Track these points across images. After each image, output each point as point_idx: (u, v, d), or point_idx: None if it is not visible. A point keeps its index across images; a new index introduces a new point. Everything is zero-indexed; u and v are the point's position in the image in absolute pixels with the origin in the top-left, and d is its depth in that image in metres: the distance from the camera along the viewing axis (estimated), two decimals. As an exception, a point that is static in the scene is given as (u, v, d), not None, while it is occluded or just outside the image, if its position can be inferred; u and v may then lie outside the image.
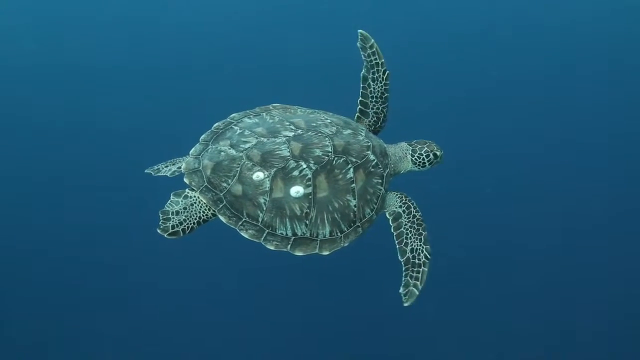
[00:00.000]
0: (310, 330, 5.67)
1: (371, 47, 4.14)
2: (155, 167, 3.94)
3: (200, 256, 5.47)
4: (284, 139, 3.63)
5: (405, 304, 3.63)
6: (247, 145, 3.60)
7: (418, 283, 3.66)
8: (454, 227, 5.75)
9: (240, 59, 7.13)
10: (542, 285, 6.03)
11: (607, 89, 7.37)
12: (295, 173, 3.51)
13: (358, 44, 4.17)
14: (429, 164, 4.13)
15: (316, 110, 4.08)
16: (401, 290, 3.67)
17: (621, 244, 6.21)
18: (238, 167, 3.51)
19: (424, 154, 4.09)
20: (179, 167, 3.72)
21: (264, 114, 3.95)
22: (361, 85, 4.18)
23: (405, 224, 3.82)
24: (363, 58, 4.17)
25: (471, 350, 5.77)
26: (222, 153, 3.59)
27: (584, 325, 5.88)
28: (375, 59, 4.15)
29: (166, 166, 3.90)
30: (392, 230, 3.85)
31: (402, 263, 3.75)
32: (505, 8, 8.20)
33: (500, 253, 6.09)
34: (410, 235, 3.80)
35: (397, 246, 3.80)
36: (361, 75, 4.17)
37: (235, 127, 3.78)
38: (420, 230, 3.81)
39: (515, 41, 7.88)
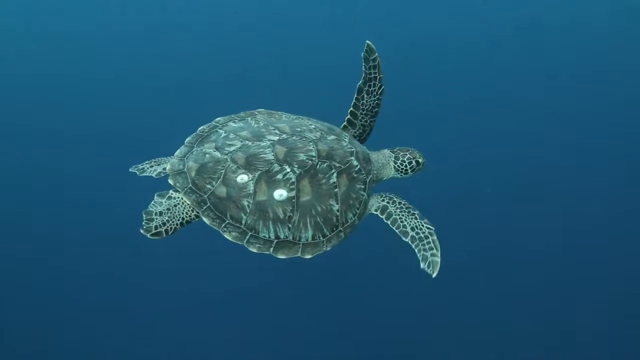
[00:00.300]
0: (309, 332, 5.67)
1: (374, 60, 4.10)
2: (140, 167, 3.96)
3: (195, 258, 5.49)
4: (269, 142, 3.68)
5: (434, 275, 3.60)
6: (232, 148, 3.64)
7: (435, 251, 3.67)
8: (453, 230, 5.76)
9: (229, 62, 7.20)
10: (541, 285, 6.05)
11: (606, 89, 7.46)
12: (279, 176, 3.56)
13: (362, 55, 4.11)
14: (412, 171, 4.18)
15: (301, 117, 4.13)
16: (422, 265, 3.66)
17: (621, 244, 6.23)
18: (223, 169, 3.55)
19: (407, 161, 4.15)
20: (164, 169, 3.75)
21: (249, 118, 3.99)
22: (355, 96, 4.19)
23: (395, 211, 3.85)
24: (363, 69, 4.13)
25: (471, 351, 5.77)
26: (207, 155, 3.63)
27: (584, 326, 5.89)
28: (375, 72, 4.13)
29: (151, 166, 3.93)
30: (385, 221, 3.86)
31: (409, 242, 3.74)
32: (501, 8, 8.25)
33: (500, 254, 6.11)
34: (404, 217, 3.82)
35: (397, 231, 3.81)
36: (357, 85, 4.18)
37: (220, 131, 3.82)
38: (412, 210, 3.85)
39: (512, 42, 7.97)
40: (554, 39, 8.04)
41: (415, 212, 3.83)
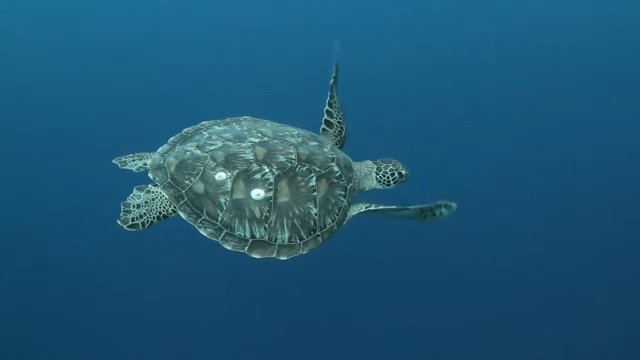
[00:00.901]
0: (307, 334, 5.70)
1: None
2: (123, 159, 4.00)
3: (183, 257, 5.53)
4: (250, 143, 3.73)
5: (453, 205, 3.71)
6: (213, 147, 3.70)
7: (441, 208, 3.72)
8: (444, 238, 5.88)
9: (227, 67, 7.35)
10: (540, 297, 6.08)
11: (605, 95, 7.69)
12: (258, 176, 3.59)
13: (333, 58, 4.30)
14: (394, 183, 4.17)
15: (285, 124, 4.20)
16: (438, 210, 3.72)
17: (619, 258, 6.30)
18: (202, 166, 3.60)
19: (389, 172, 4.14)
20: (145, 164, 3.80)
21: (234, 123, 4.09)
22: (328, 94, 4.33)
23: (377, 206, 3.83)
24: (333, 75, 4.34)
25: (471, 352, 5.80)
26: (188, 152, 3.69)
27: (584, 337, 5.89)
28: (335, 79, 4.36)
29: (133, 160, 3.97)
30: (376, 214, 3.87)
31: (412, 211, 3.77)
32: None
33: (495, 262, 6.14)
34: (387, 207, 3.80)
35: (390, 214, 3.85)
36: (329, 84, 4.31)
37: (204, 132, 3.90)
38: (392, 205, 3.82)
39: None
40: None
41: (395, 205, 3.81)
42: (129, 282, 5.49)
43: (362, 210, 3.88)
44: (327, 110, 4.33)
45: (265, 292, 5.66)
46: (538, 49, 8.28)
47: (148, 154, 3.98)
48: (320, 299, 5.78)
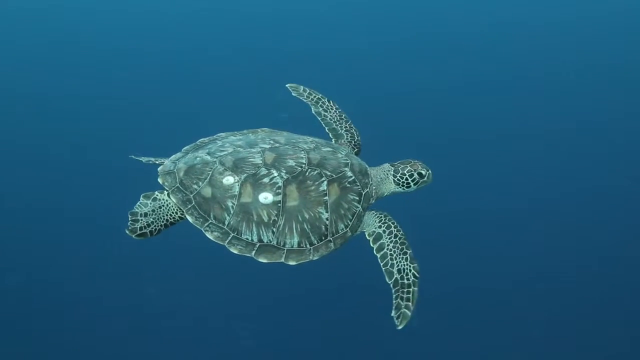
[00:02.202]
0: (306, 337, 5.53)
1: (304, 90, 4.58)
2: (140, 157, 4.13)
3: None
4: (260, 149, 3.70)
5: (399, 327, 3.47)
6: (223, 153, 3.69)
7: (410, 304, 3.50)
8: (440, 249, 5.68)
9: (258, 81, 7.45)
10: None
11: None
12: (266, 180, 3.53)
13: (294, 94, 4.57)
14: (414, 185, 3.96)
15: (302, 135, 4.13)
16: (393, 313, 3.51)
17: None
18: (210, 170, 3.58)
19: (407, 174, 3.93)
20: (155, 160, 3.90)
21: (250, 134, 4.08)
22: (320, 120, 4.44)
23: (388, 245, 3.68)
24: (306, 101, 4.53)
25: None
26: (198, 158, 3.69)
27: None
28: (315, 96, 4.54)
29: (148, 160, 4.07)
30: (374, 252, 3.72)
31: (391, 285, 3.59)
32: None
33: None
34: (394, 255, 3.64)
35: (383, 269, 3.65)
36: (313, 112, 4.46)
37: (219, 142, 3.91)
38: (404, 249, 3.65)
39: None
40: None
41: (408, 252, 3.65)
42: (131, 288, 5.49)
43: (369, 237, 3.77)
44: (328, 129, 4.38)
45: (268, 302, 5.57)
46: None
47: (164, 159, 3.99)
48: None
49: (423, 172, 3.95)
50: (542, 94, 7.70)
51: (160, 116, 6.86)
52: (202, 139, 4.01)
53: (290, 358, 5.37)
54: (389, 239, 3.70)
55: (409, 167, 3.95)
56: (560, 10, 9.31)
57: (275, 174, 3.54)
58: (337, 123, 4.37)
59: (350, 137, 4.27)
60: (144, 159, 4.08)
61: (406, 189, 3.98)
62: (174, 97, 7.17)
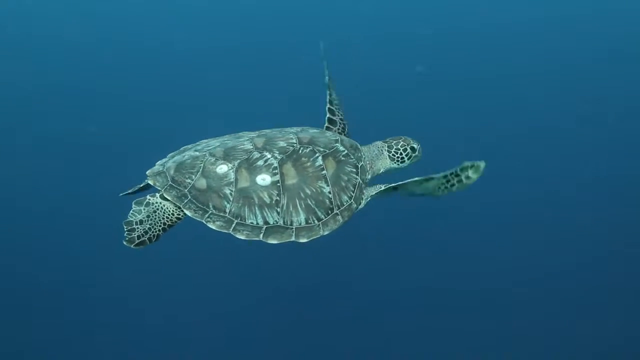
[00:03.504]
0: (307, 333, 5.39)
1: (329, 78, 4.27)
2: (131, 189, 3.82)
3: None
4: (248, 137, 3.65)
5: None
6: (211, 147, 3.60)
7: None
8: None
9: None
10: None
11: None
12: (260, 162, 3.44)
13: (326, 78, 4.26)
14: (408, 159, 3.93)
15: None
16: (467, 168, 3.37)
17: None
18: (201, 163, 3.48)
19: (401, 149, 3.91)
20: (140, 184, 3.70)
21: (232, 135, 3.99)
22: (327, 92, 4.20)
23: (402, 182, 3.54)
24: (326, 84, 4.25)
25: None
26: (186, 156, 3.58)
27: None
28: (332, 85, 4.28)
29: (137, 187, 3.80)
30: (396, 192, 3.61)
31: (441, 177, 3.46)
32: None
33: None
34: (411, 179, 3.49)
35: (419, 184, 3.51)
36: (325, 83, 4.23)
37: (203, 143, 3.81)
38: (416, 177, 3.49)
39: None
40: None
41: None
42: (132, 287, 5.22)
43: (382, 189, 3.62)
44: (329, 109, 4.17)
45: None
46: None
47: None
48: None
49: (415, 146, 3.95)
50: (542, 92, 7.93)
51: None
52: (186, 146, 3.87)
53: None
54: (396, 183, 3.59)
55: (402, 142, 3.94)
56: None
57: (269, 156, 3.46)
58: (337, 106, 4.21)
59: (342, 128, 4.16)
60: (136, 187, 3.79)
61: (400, 165, 3.95)
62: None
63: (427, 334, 5.50)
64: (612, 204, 6.48)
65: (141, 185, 3.72)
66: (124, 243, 3.34)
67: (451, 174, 3.46)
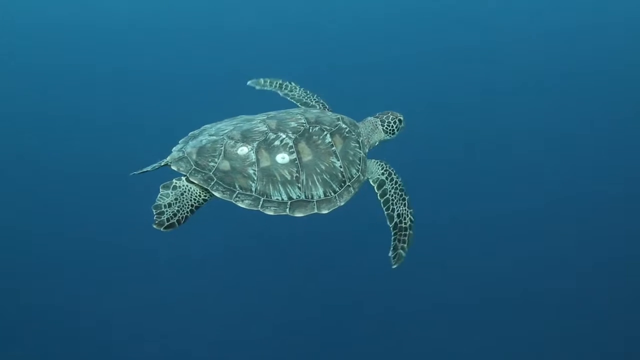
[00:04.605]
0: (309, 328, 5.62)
1: (265, 81, 4.83)
2: (139, 171, 3.88)
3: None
4: (260, 119, 3.89)
5: (394, 266, 3.83)
6: (226, 131, 3.79)
7: (405, 246, 3.88)
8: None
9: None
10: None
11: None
12: (277, 143, 3.70)
13: (258, 88, 4.82)
14: (397, 130, 4.39)
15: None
16: (390, 253, 3.86)
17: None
18: (221, 146, 3.67)
19: (392, 122, 4.35)
20: (161, 163, 3.77)
21: (237, 118, 4.18)
22: (290, 100, 4.70)
23: (390, 190, 4.02)
24: (271, 89, 4.81)
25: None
26: (204, 140, 3.75)
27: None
28: (276, 83, 4.80)
29: (152, 167, 3.87)
30: (378, 197, 4.04)
31: (391, 228, 3.93)
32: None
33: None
34: (395, 200, 3.99)
35: (385, 213, 3.99)
36: (282, 96, 4.73)
37: (212, 128, 3.96)
38: (403, 195, 4.02)
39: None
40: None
41: (406, 198, 4.02)
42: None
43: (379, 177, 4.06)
44: (300, 104, 4.61)
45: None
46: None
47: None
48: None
49: (402, 118, 4.42)
50: (544, 97, 8.13)
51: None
52: (192, 132, 4.01)
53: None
54: (391, 185, 4.04)
55: (391, 116, 4.39)
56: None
57: (284, 136, 3.73)
58: (307, 97, 4.66)
59: (322, 106, 4.58)
60: (149, 168, 3.83)
61: (391, 136, 4.39)
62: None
63: (439, 342, 5.80)
64: (616, 207, 6.73)
65: (156, 167, 3.80)
66: (154, 226, 3.45)
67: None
